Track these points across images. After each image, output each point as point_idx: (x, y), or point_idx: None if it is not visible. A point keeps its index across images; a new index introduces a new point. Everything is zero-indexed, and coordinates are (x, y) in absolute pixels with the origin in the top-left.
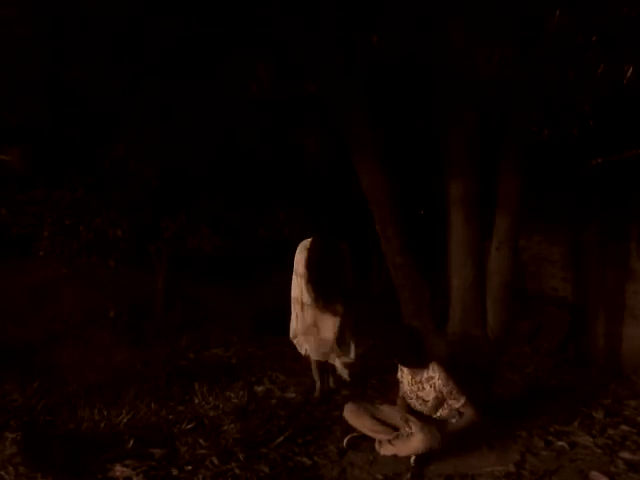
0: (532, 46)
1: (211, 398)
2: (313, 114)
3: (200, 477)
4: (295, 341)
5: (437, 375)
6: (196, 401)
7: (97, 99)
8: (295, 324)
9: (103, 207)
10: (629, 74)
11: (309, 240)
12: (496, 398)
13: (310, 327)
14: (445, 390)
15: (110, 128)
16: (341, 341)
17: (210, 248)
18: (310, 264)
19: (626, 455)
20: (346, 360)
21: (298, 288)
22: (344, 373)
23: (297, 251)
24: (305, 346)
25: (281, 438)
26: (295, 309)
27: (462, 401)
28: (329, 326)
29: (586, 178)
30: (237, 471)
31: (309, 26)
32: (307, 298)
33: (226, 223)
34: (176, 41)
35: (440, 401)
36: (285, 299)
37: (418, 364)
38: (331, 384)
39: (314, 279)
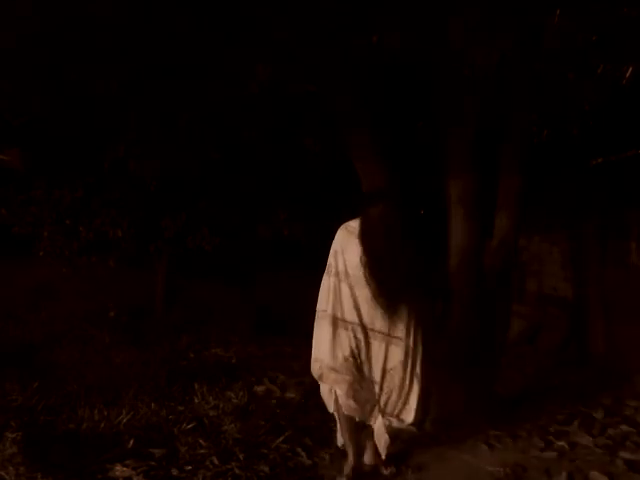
0: (532, 46)
1: (211, 398)
2: (313, 114)
3: (200, 477)
4: (320, 379)
5: None
6: (196, 401)
7: (97, 99)
8: (326, 352)
9: (103, 207)
10: (629, 74)
11: (357, 221)
12: (496, 398)
13: (347, 360)
14: None
15: (110, 128)
16: (403, 388)
17: (210, 248)
18: (370, 258)
19: (626, 455)
20: (398, 424)
21: (341, 297)
22: (382, 442)
23: (336, 239)
24: (337, 388)
25: (281, 438)
26: (329, 331)
27: None
28: (382, 361)
29: (586, 178)
30: (237, 471)
31: (309, 26)
32: (370, 315)
33: (226, 223)
34: (176, 41)
35: None
36: (285, 298)
37: None
38: (368, 460)
39: (378, 281)
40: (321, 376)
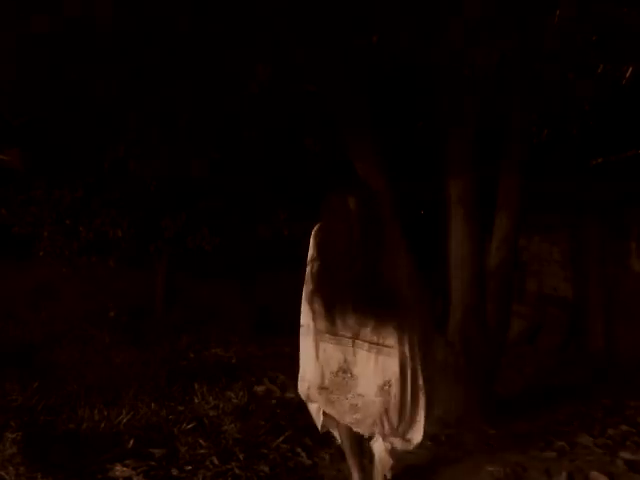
0: (532, 46)
1: (211, 398)
2: (313, 114)
3: (200, 477)
4: (308, 400)
5: None
6: (196, 401)
7: (97, 99)
8: (312, 370)
9: (103, 207)
10: (629, 74)
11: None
12: (496, 398)
13: (337, 376)
14: None
15: (110, 128)
16: (404, 406)
17: (210, 248)
18: (318, 254)
19: (626, 455)
20: (402, 445)
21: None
22: (384, 464)
23: (311, 242)
24: (328, 410)
25: (281, 438)
26: (312, 346)
27: None
28: (373, 374)
29: (586, 178)
30: (237, 471)
31: (309, 26)
32: (355, 322)
33: (226, 223)
34: (176, 41)
35: None
36: (285, 298)
37: None
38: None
39: (318, 279)
40: (308, 397)
